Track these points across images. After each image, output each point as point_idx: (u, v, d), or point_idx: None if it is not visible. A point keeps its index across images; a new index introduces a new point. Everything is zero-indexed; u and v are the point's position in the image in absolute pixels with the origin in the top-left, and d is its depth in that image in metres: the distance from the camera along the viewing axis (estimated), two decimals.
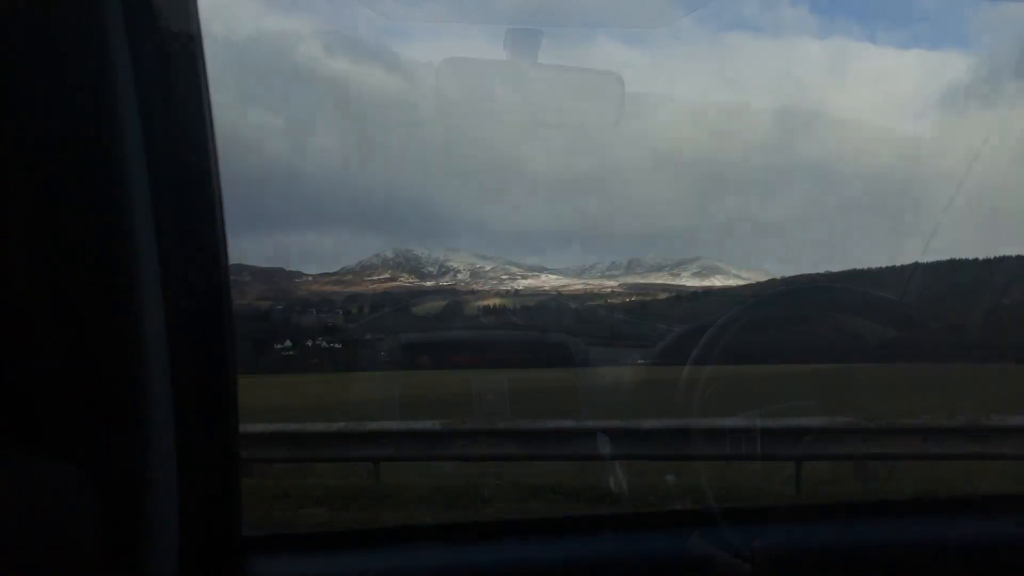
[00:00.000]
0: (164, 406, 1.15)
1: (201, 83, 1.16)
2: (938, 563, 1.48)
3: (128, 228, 1.06)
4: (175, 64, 1.14)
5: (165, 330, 1.14)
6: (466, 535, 1.56)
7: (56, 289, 1.03)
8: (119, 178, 1.05)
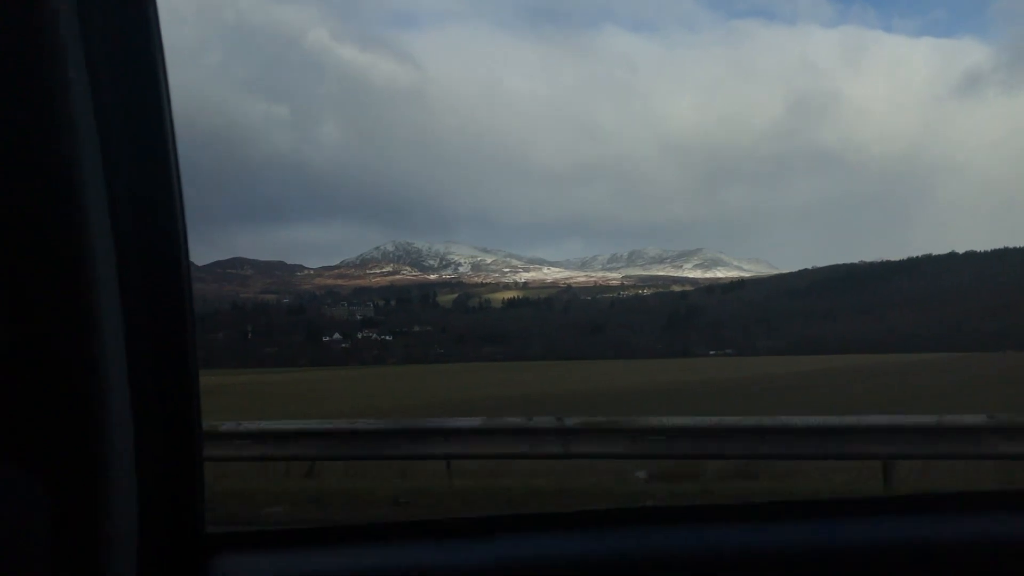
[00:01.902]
0: (121, 402, 1.11)
1: (159, 69, 1.14)
2: (933, 562, 1.47)
3: (82, 220, 1.03)
4: (131, 50, 1.12)
5: (122, 324, 1.12)
6: (435, 532, 1.55)
7: (3, 284, 1.00)
8: (71, 169, 1.02)
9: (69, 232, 1.02)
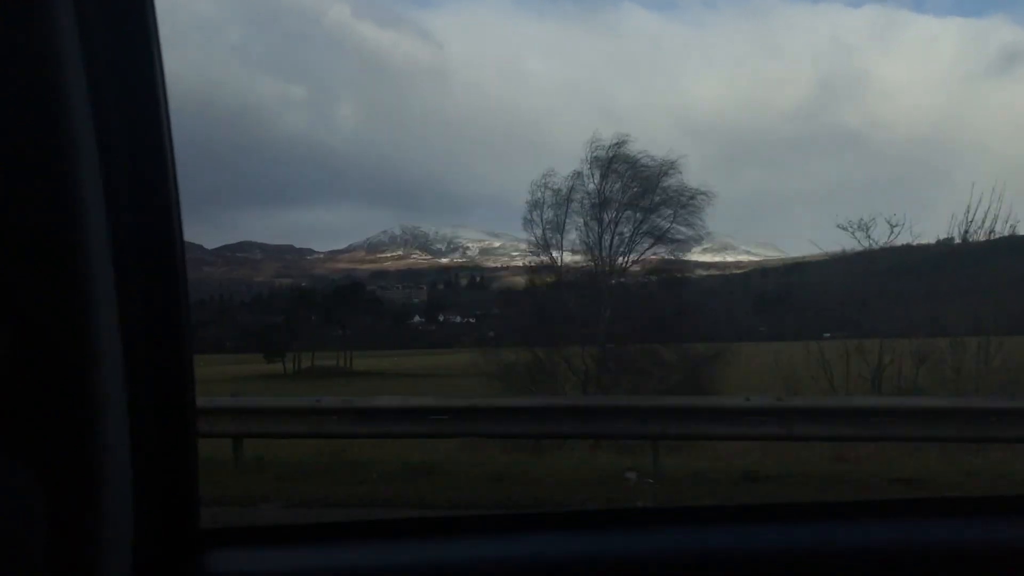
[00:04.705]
0: (117, 395, 1.10)
1: (154, 52, 1.13)
2: (925, 566, 1.46)
3: (77, 210, 1.02)
4: (128, 38, 1.11)
5: (118, 316, 1.11)
6: (427, 530, 1.55)
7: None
8: (66, 162, 1.01)
9: (64, 225, 1.01)
